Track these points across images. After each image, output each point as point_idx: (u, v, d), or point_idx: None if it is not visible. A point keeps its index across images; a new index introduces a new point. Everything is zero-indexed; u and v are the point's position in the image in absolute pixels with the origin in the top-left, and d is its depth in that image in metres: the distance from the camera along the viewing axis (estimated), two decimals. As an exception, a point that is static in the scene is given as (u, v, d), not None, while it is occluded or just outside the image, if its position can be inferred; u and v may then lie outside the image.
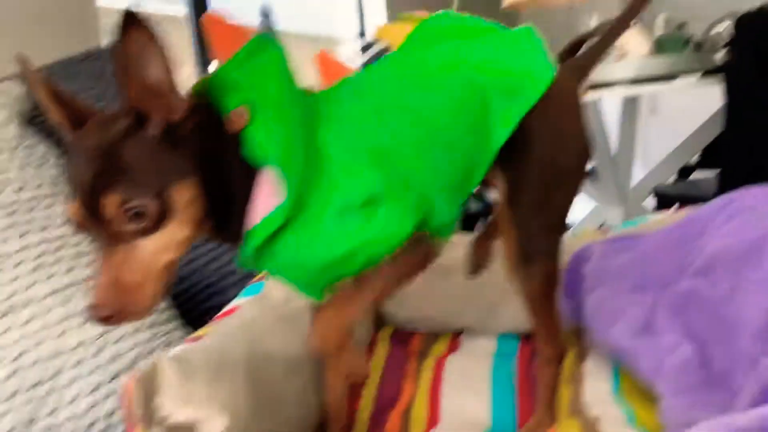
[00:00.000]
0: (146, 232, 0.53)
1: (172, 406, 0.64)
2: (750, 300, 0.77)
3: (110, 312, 0.52)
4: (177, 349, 0.74)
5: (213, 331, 0.83)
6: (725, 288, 0.81)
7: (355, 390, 0.94)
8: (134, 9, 0.51)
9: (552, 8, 2.91)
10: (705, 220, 0.95)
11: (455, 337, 1.13)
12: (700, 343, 0.81)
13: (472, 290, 1.07)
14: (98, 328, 0.92)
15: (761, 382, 0.49)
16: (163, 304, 1.02)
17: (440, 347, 1.10)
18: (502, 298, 1.07)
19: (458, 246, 1.13)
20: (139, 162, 0.53)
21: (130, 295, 0.53)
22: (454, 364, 0.99)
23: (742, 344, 0.73)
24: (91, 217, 0.53)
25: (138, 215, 0.52)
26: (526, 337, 1.09)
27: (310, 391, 0.85)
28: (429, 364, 1.01)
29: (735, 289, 0.80)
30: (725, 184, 1.86)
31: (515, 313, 1.07)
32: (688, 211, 1.04)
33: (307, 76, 0.66)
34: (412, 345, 1.10)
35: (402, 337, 1.12)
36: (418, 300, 1.10)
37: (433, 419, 0.87)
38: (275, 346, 0.82)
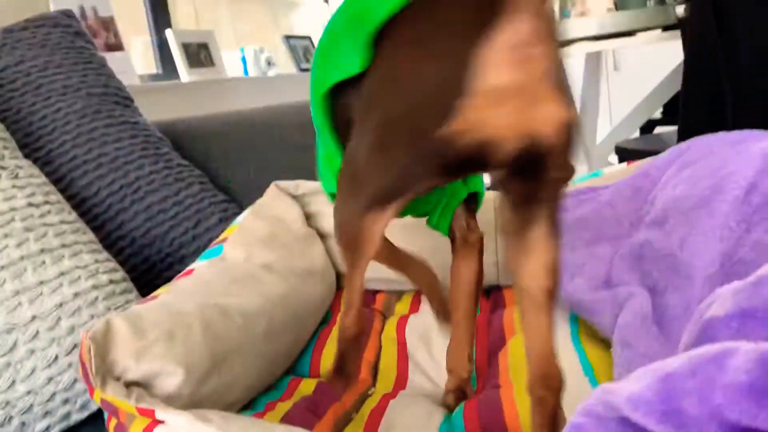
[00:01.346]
0: None
1: (128, 362, 0.64)
2: (702, 247, 0.78)
3: None
4: (131, 308, 0.73)
5: (168, 291, 0.82)
6: (679, 237, 0.82)
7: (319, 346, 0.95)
8: None
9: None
10: (659, 171, 0.96)
11: (419, 294, 1.14)
12: (655, 294, 0.82)
13: (433, 248, 1.07)
14: (53, 300, 0.90)
15: (698, 326, 0.49)
16: (119, 275, 1.00)
17: (403, 306, 1.11)
18: (462, 255, 1.07)
19: (418, 205, 1.13)
20: None
21: None
22: (414, 323, 1.00)
23: (695, 292, 0.74)
24: None
25: None
26: (486, 292, 1.11)
27: (268, 342, 0.85)
28: (392, 322, 1.01)
29: (688, 237, 0.81)
30: (685, 139, 1.88)
31: (476, 270, 1.08)
32: (644, 162, 1.05)
33: None
34: (375, 304, 1.11)
35: (366, 297, 1.12)
36: (380, 260, 1.10)
37: (401, 379, 0.88)
38: (231, 301, 0.82)
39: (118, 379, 0.63)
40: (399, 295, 1.15)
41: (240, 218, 1.07)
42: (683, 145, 0.98)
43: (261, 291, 0.87)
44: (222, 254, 0.96)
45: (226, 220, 1.21)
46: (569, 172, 0.49)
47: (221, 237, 1.01)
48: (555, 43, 0.43)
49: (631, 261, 0.89)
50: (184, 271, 0.92)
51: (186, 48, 2.60)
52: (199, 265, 0.93)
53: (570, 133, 0.46)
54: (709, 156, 0.93)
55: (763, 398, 0.38)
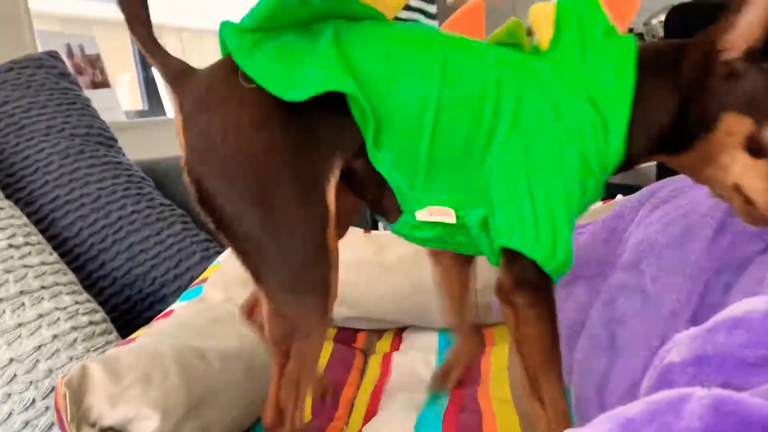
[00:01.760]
0: None
1: (103, 408, 0.64)
2: (672, 286, 0.80)
3: None
4: (107, 352, 0.74)
5: (145, 334, 0.82)
6: (650, 277, 0.84)
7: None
8: None
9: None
10: (632, 212, 0.98)
11: (399, 333, 1.15)
12: (619, 325, 0.84)
13: (412, 288, 1.09)
14: (31, 343, 0.90)
15: (657, 371, 0.51)
16: (99, 316, 1.00)
17: (384, 344, 1.11)
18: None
19: (394, 244, 1.15)
20: None
21: None
22: (397, 362, 1.00)
23: (660, 325, 0.76)
24: None
25: None
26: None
27: (247, 382, 0.84)
28: (376, 361, 1.02)
29: (659, 276, 0.83)
30: (663, 173, 1.91)
31: (455, 308, 1.10)
32: (618, 203, 1.07)
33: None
34: (356, 343, 1.11)
35: (346, 336, 1.13)
36: (360, 298, 1.10)
37: (372, 408, 0.89)
38: (209, 343, 0.82)
39: (93, 425, 0.63)
40: (380, 333, 1.16)
41: (221, 258, 1.08)
42: (655, 185, 1.01)
43: (240, 332, 0.88)
44: (201, 295, 0.96)
45: (208, 259, 1.22)
46: None
47: (201, 277, 1.02)
48: None
49: (606, 303, 0.90)
50: (164, 312, 0.93)
51: (149, 82, 2.63)
52: (178, 305, 0.94)
53: None
54: (680, 196, 0.95)
55: (718, 444, 0.39)
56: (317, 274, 0.62)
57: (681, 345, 0.49)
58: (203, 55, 3.18)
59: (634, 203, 1.00)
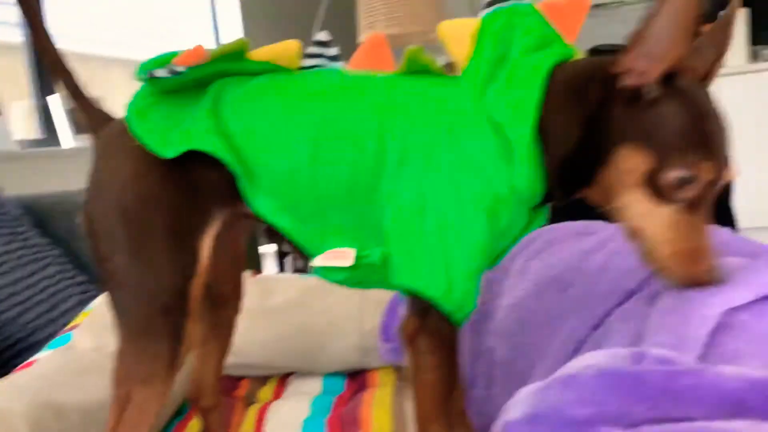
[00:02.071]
0: None
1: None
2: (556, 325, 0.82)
3: None
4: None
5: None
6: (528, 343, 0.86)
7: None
8: None
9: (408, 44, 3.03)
10: (509, 260, 1.01)
11: (284, 379, 1.13)
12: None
13: (297, 332, 1.08)
14: None
15: (498, 428, 0.52)
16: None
17: (267, 392, 1.09)
18: (326, 339, 1.08)
19: (282, 287, 1.14)
20: None
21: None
22: (273, 412, 0.98)
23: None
24: (716, 181, 0.58)
25: None
26: (352, 376, 1.12)
27: None
28: (253, 412, 0.99)
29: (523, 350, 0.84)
30: (558, 217, 1.99)
31: (340, 353, 1.09)
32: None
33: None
34: (238, 391, 1.09)
35: (227, 384, 1.10)
36: (242, 344, 1.08)
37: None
38: (70, 397, 0.78)
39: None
40: (263, 380, 1.14)
41: (94, 303, 1.03)
42: (532, 234, 1.04)
43: (107, 383, 0.83)
44: (70, 342, 0.92)
45: (85, 303, 1.16)
46: None
47: (72, 323, 0.97)
48: None
49: (479, 358, 0.92)
50: (26, 362, 0.87)
51: (72, 113, 2.53)
52: (43, 355, 0.88)
53: None
54: (555, 246, 0.99)
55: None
56: (172, 321, 0.63)
57: (520, 402, 0.51)
58: (109, 83, 3.08)
59: (512, 253, 1.03)
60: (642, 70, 0.57)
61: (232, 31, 3.36)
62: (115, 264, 0.64)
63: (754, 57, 3.19)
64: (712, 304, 0.58)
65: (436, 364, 0.62)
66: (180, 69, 0.62)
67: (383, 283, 0.66)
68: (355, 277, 0.65)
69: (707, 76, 0.61)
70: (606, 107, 0.59)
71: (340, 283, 0.67)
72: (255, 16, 3.36)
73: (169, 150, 0.64)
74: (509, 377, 0.82)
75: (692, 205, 0.57)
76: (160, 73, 0.63)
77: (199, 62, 0.63)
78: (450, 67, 0.69)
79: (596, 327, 0.75)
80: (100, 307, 1.01)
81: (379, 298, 1.10)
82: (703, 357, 0.55)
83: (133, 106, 0.67)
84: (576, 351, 0.75)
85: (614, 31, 2.34)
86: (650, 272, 0.78)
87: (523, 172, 0.60)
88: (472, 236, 0.59)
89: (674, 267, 0.58)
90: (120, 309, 0.64)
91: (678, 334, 0.56)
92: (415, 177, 0.61)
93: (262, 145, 0.65)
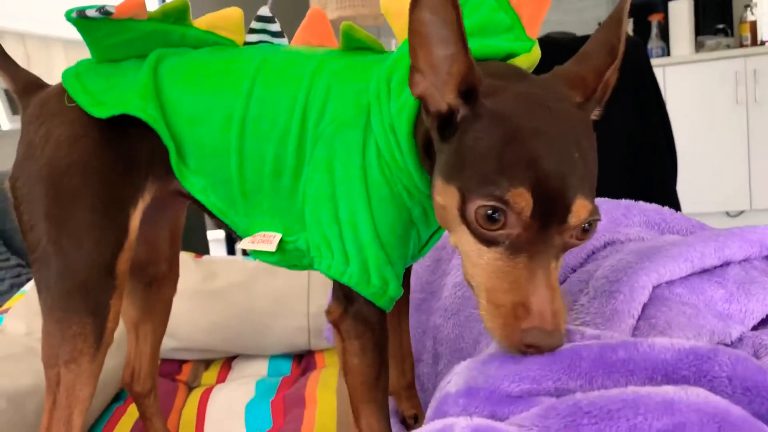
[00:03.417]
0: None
1: None
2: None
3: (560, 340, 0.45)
4: None
5: None
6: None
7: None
8: None
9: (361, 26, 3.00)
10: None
11: (229, 362, 1.11)
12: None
13: (242, 314, 1.06)
14: None
15: (435, 401, 0.52)
16: None
17: (211, 375, 1.07)
18: (272, 321, 1.07)
19: (226, 269, 1.12)
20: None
21: (561, 320, 0.45)
22: (216, 395, 0.96)
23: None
24: (545, 218, 0.45)
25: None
26: (298, 357, 1.11)
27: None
28: (195, 395, 0.97)
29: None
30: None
31: (286, 335, 1.08)
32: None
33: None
34: (181, 375, 1.06)
35: (170, 368, 1.07)
36: (185, 328, 1.06)
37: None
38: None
39: None
40: (207, 364, 1.11)
41: (28, 286, 0.99)
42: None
43: (39, 368, 0.80)
44: (1, 326, 0.88)
45: (19, 286, 1.11)
46: None
47: (4, 307, 0.93)
48: None
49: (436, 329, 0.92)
50: (-47, 347, 0.83)
51: (9, 94, 2.42)
52: (-30, 339, 0.84)
53: None
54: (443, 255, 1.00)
55: (472, 473, 0.41)
56: (95, 297, 0.60)
57: (458, 375, 0.50)
58: (49, 62, 2.96)
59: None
60: (432, 91, 0.48)
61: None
62: (38, 235, 0.60)
63: (699, 47, 3.28)
64: (646, 279, 0.59)
65: (360, 349, 0.61)
66: (111, 9, 0.59)
67: (313, 267, 0.64)
68: (286, 260, 0.64)
69: (598, 87, 0.50)
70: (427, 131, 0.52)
71: (275, 264, 0.65)
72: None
73: (102, 110, 0.61)
74: (454, 353, 0.83)
75: (518, 249, 0.45)
76: (91, 12, 0.59)
77: (137, 12, 0.61)
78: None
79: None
80: (33, 290, 0.97)
81: (326, 280, 1.08)
82: (636, 329, 0.56)
83: (72, 69, 0.65)
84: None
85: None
86: (593, 252, 0.80)
87: (408, 167, 0.55)
88: (381, 224, 0.57)
89: (488, 323, 0.47)
90: (42, 284, 0.61)
91: (605, 312, 0.57)
92: (327, 161, 0.58)
93: (193, 121, 0.63)
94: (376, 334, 0.61)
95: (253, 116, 0.61)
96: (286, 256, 0.63)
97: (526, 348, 0.45)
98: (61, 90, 0.64)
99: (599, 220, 0.48)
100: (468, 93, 0.47)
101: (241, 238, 0.65)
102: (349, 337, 0.61)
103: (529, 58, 0.57)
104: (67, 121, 0.62)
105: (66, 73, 0.64)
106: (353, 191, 0.57)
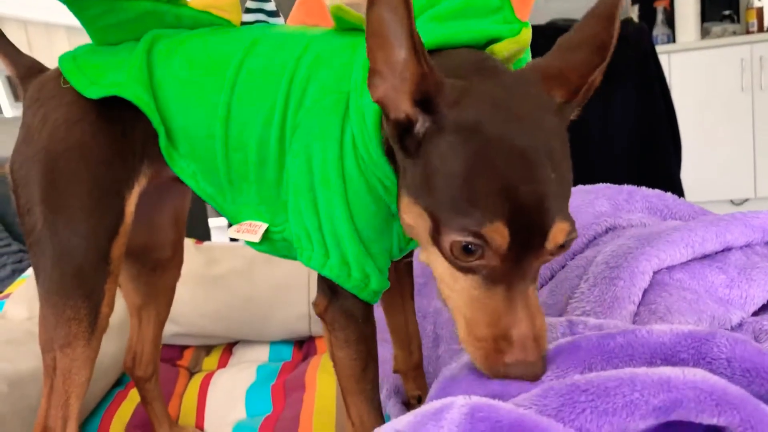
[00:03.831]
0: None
1: None
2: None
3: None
4: None
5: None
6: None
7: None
8: None
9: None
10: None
11: (230, 348, 1.11)
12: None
13: (243, 301, 1.06)
14: None
15: (439, 383, 0.52)
16: None
17: (212, 361, 1.07)
18: (273, 307, 1.07)
19: (228, 256, 1.12)
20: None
21: (544, 343, 0.44)
22: (217, 380, 0.96)
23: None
24: (522, 249, 0.42)
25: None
26: (299, 343, 1.11)
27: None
28: (196, 380, 0.97)
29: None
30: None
31: (287, 321, 1.08)
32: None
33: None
34: (182, 360, 1.06)
35: (171, 353, 1.07)
36: (186, 313, 1.06)
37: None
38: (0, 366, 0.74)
39: None
40: (208, 349, 1.12)
41: (29, 271, 0.99)
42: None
43: (40, 352, 0.80)
44: (2, 312, 0.88)
45: (21, 272, 1.11)
46: None
47: (5, 292, 0.93)
48: None
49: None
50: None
51: (11, 80, 2.42)
52: (-29, 324, 0.85)
53: None
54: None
55: (469, 449, 0.41)
56: (90, 281, 0.60)
57: (460, 362, 0.50)
58: (51, 49, 2.96)
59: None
60: (392, 96, 0.44)
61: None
62: (34, 218, 0.60)
63: (705, 33, 3.25)
64: (646, 264, 0.59)
65: (344, 341, 0.59)
66: None
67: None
68: (274, 250, 0.63)
69: (582, 88, 0.45)
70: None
71: (266, 253, 0.64)
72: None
73: (94, 90, 0.60)
74: (454, 337, 0.83)
75: (495, 279, 0.43)
76: None
77: None
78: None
79: (541, 287, 0.76)
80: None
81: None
82: (637, 315, 0.56)
83: (70, 52, 0.65)
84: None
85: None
86: (594, 237, 0.80)
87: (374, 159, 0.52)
88: (360, 217, 0.54)
89: (470, 353, 0.46)
90: (39, 268, 0.61)
91: (606, 299, 0.57)
92: (306, 149, 0.55)
93: (182, 105, 0.62)
94: (360, 326, 0.59)
95: (237, 102, 0.59)
96: (274, 246, 0.62)
97: (507, 377, 0.44)
98: (58, 73, 0.63)
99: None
100: (425, 102, 0.43)
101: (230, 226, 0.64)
102: (334, 329, 0.60)
103: (518, 42, 0.52)
104: (64, 104, 0.62)
105: (63, 56, 0.64)
106: (330, 182, 0.54)
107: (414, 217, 0.46)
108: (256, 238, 0.60)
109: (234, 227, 0.62)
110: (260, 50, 0.61)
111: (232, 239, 2.26)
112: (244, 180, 0.61)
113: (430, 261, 0.47)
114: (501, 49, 0.52)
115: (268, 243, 0.61)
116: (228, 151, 0.60)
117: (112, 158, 0.62)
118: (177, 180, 0.66)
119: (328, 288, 0.59)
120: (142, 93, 0.60)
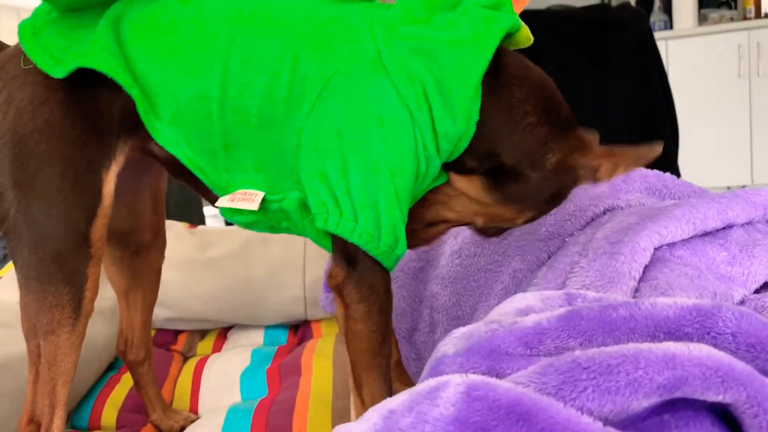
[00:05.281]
0: None
1: None
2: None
3: None
4: None
5: None
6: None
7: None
8: None
9: None
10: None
11: (224, 332, 1.10)
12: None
13: (237, 285, 1.05)
14: None
15: (431, 362, 0.51)
16: None
17: (207, 345, 1.06)
18: (267, 291, 1.05)
19: (221, 239, 1.10)
20: None
21: None
22: (212, 364, 0.95)
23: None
24: None
25: None
26: (294, 327, 1.10)
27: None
28: (191, 365, 0.96)
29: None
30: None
31: (282, 305, 1.07)
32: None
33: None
34: (176, 345, 1.05)
35: (165, 338, 1.06)
36: (180, 298, 1.04)
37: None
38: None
39: None
40: (202, 334, 1.11)
41: (20, 255, 0.98)
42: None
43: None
44: (-10, 295, 0.87)
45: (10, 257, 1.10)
46: None
47: (-5, 276, 0.92)
48: None
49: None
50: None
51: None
52: (-41, 308, 0.83)
53: None
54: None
55: (466, 428, 0.39)
56: (71, 266, 0.58)
57: (457, 338, 0.49)
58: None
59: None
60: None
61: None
62: (7, 203, 0.58)
63: (703, 20, 3.23)
64: (647, 240, 0.58)
65: (366, 313, 0.58)
66: None
67: (294, 230, 0.62)
68: (264, 221, 0.61)
69: None
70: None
71: (248, 226, 0.63)
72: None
73: (60, 69, 0.57)
74: (451, 321, 0.82)
75: None
76: None
77: None
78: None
79: (538, 270, 0.75)
80: (24, 259, 0.96)
81: (323, 250, 1.07)
82: (637, 291, 0.55)
83: (28, 24, 0.60)
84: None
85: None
86: (592, 218, 0.79)
87: (453, 123, 0.56)
88: (399, 178, 0.55)
89: None
90: (17, 255, 0.58)
91: (606, 273, 0.56)
92: (334, 112, 0.55)
93: (167, 68, 0.59)
94: (381, 297, 0.58)
95: (236, 62, 0.57)
96: (267, 216, 0.60)
97: None
98: (20, 51, 0.60)
99: None
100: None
101: (215, 200, 0.62)
102: (353, 301, 0.58)
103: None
104: (28, 83, 0.58)
105: (23, 32, 0.59)
106: (367, 144, 0.55)
107: (488, 207, 0.61)
108: (255, 206, 0.58)
109: (227, 197, 0.60)
110: (257, 7, 0.60)
111: (228, 223, 2.23)
112: (241, 145, 0.59)
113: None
114: (526, 38, 0.60)
115: (261, 212, 0.60)
116: (225, 114, 0.58)
117: (84, 136, 0.59)
118: (154, 159, 0.64)
119: (346, 259, 0.57)
120: (113, 61, 0.57)
